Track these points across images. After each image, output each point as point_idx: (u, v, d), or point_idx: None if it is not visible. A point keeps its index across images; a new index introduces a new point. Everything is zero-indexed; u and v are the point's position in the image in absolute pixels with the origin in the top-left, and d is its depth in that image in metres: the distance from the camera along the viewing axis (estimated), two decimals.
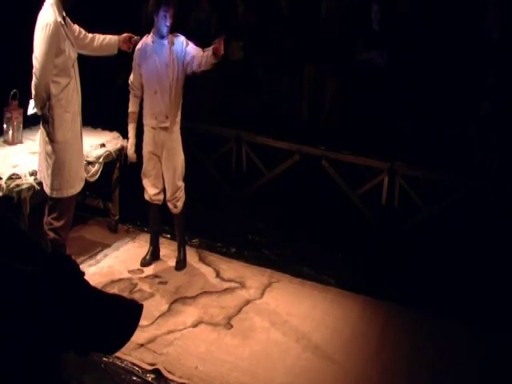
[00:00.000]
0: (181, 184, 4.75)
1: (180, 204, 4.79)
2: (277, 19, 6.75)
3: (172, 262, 4.97)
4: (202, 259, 5.11)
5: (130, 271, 4.83)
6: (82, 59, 4.32)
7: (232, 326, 4.20)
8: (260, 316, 4.35)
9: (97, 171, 4.86)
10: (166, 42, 4.50)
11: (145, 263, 4.93)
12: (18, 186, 4.23)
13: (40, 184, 4.25)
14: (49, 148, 4.10)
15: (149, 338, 4.00)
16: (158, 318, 4.24)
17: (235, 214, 6.02)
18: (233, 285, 4.73)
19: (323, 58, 6.50)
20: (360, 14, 6.37)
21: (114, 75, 5.52)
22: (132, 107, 4.71)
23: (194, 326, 4.19)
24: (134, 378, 3.66)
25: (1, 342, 1.60)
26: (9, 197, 4.18)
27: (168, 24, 4.45)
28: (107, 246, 5.22)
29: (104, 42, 4.45)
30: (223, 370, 3.75)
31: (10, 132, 4.90)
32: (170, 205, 4.79)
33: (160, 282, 4.70)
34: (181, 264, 4.92)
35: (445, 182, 5.67)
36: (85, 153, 4.55)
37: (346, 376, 3.78)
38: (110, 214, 5.47)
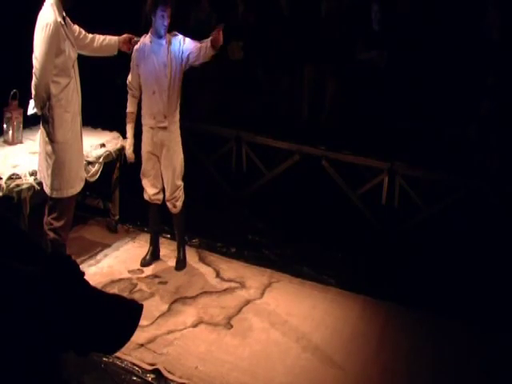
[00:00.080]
0: (180, 183, 4.75)
1: (179, 204, 4.79)
2: (277, 19, 6.75)
3: (172, 262, 4.97)
4: (201, 259, 5.11)
5: (129, 271, 4.84)
6: (82, 59, 4.32)
7: (232, 326, 4.20)
8: (260, 316, 4.35)
9: (97, 171, 4.86)
10: (163, 41, 4.50)
11: (145, 263, 4.93)
12: (18, 185, 4.23)
13: (40, 184, 4.25)
14: (49, 148, 4.10)
15: (149, 337, 4.00)
16: (158, 318, 4.24)
17: (235, 214, 6.03)
18: (233, 285, 4.73)
19: (323, 58, 6.50)
20: (360, 13, 6.37)
21: (113, 75, 5.52)
22: (130, 107, 4.71)
23: (194, 326, 4.19)
24: (134, 378, 3.66)
25: (1, 342, 1.60)
26: (9, 197, 4.18)
27: (165, 24, 4.45)
28: (107, 246, 5.22)
29: (104, 42, 4.46)
30: (223, 370, 3.75)
31: (10, 132, 4.90)
32: (169, 204, 4.79)
33: (160, 282, 4.70)
34: (181, 264, 4.92)
35: (445, 182, 5.67)
36: (85, 153, 4.55)
37: (346, 376, 3.78)
38: (110, 214, 5.47)
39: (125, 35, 4.53)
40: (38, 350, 1.66)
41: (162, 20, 4.42)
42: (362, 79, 6.19)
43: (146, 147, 4.69)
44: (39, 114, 4.12)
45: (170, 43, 4.49)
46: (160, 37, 4.49)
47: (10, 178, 4.24)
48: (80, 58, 4.25)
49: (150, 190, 4.79)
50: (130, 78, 4.67)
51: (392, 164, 5.68)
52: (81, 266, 1.77)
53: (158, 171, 4.73)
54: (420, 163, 5.68)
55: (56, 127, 4.07)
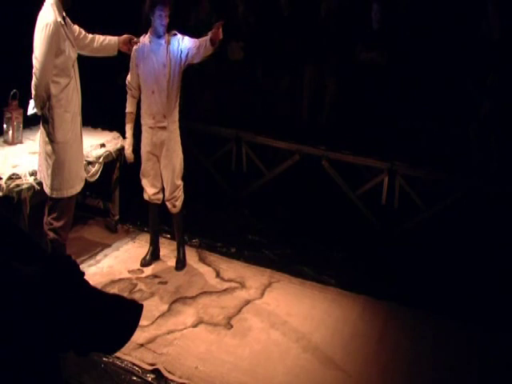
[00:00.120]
0: (180, 183, 4.75)
1: (179, 203, 4.79)
2: (277, 19, 6.75)
3: (172, 262, 4.97)
4: (202, 259, 5.12)
5: (130, 271, 4.84)
6: (82, 59, 4.32)
7: (232, 326, 4.20)
8: (260, 316, 4.35)
9: (97, 171, 4.86)
10: (163, 41, 4.49)
11: (145, 263, 4.93)
12: (18, 186, 4.23)
13: (40, 184, 4.25)
14: (49, 148, 4.10)
15: (149, 337, 4.00)
16: (158, 318, 4.24)
17: (235, 214, 6.03)
18: (233, 285, 4.73)
19: (323, 58, 6.50)
20: (360, 13, 6.37)
21: (113, 75, 5.52)
22: (129, 107, 4.71)
23: (194, 326, 4.19)
24: (134, 378, 3.66)
25: (1, 342, 1.60)
26: (9, 197, 4.17)
27: (164, 23, 4.44)
28: (107, 246, 5.22)
29: (104, 42, 4.45)
30: (223, 370, 3.75)
31: (10, 132, 4.90)
32: (168, 204, 4.79)
33: (160, 282, 4.70)
34: (180, 264, 4.93)
35: (445, 182, 5.67)
36: (85, 153, 4.55)
37: (346, 376, 3.77)
38: (110, 214, 5.48)
39: (125, 36, 4.53)
40: (38, 350, 1.66)
41: (160, 20, 4.42)
42: (362, 79, 6.20)
43: (145, 147, 4.69)
44: (39, 113, 4.12)
45: (169, 43, 4.49)
46: (159, 37, 4.49)
47: (10, 177, 4.24)
48: (80, 58, 4.25)
49: (149, 190, 4.79)
50: (129, 77, 4.67)
51: (392, 164, 5.68)
52: (81, 266, 1.77)
53: (157, 171, 4.73)
54: (420, 163, 5.68)
55: (56, 127, 4.07)
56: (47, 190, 4.16)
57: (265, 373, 3.76)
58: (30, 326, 1.61)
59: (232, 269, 4.98)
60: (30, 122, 4.95)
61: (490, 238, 5.22)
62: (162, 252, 5.09)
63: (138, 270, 4.86)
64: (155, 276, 4.80)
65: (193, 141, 6.30)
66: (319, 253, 5.32)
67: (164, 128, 4.59)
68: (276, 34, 6.68)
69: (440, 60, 5.85)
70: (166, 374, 3.69)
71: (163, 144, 4.62)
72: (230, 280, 4.80)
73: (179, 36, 4.52)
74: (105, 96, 5.98)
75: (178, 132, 4.68)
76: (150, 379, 3.67)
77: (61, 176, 4.12)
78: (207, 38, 4.37)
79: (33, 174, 4.32)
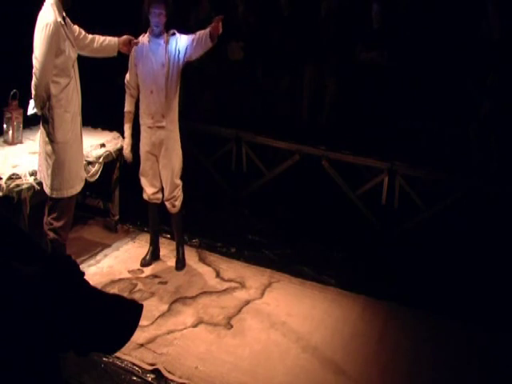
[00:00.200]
0: (179, 182, 4.75)
1: (178, 203, 4.78)
2: (277, 19, 6.75)
3: (172, 262, 4.97)
4: (201, 259, 5.12)
5: (129, 271, 4.84)
6: (82, 59, 4.32)
7: (232, 326, 4.20)
8: (260, 316, 4.35)
9: (97, 171, 4.85)
10: (162, 41, 4.48)
11: (145, 263, 4.93)
12: (18, 186, 4.23)
13: (40, 184, 4.25)
14: (49, 148, 4.10)
15: (149, 337, 4.00)
16: (158, 318, 4.24)
17: (235, 214, 6.03)
18: (233, 285, 4.73)
19: (323, 58, 6.50)
20: (360, 13, 6.37)
21: (113, 75, 5.52)
22: (128, 107, 4.71)
23: (194, 326, 4.19)
24: (134, 378, 3.66)
25: (1, 342, 1.60)
26: (9, 197, 4.17)
27: (159, 22, 4.42)
28: (107, 246, 5.22)
29: (104, 43, 4.45)
30: (223, 370, 3.75)
31: (10, 132, 4.90)
32: (168, 204, 4.78)
33: (160, 282, 4.70)
34: (180, 264, 4.93)
35: (445, 182, 5.67)
36: (85, 153, 4.55)
37: (346, 376, 3.77)
38: (110, 214, 5.48)
39: (125, 36, 4.52)
40: (38, 350, 1.66)
41: (156, 18, 4.41)
42: (362, 79, 6.20)
43: (144, 147, 4.69)
44: (39, 114, 4.12)
45: (167, 43, 4.49)
46: (158, 36, 4.48)
47: (10, 177, 4.24)
48: (80, 58, 4.24)
49: (148, 190, 4.79)
50: (127, 77, 4.66)
51: (392, 164, 5.68)
52: (81, 266, 1.77)
53: (156, 171, 4.73)
54: (420, 163, 5.68)
55: (56, 127, 4.06)
56: (47, 189, 4.16)
57: (265, 373, 3.76)
58: (30, 326, 1.61)
59: (232, 269, 4.98)
60: (30, 122, 4.95)
61: (490, 238, 5.22)
62: (162, 252, 5.09)
63: (138, 270, 4.86)
64: (155, 276, 4.80)
65: (193, 141, 6.30)
66: (319, 253, 5.32)
67: (163, 128, 4.58)
68: (276, 34, 6.68)
69: (440, 60, 5.85)
70: (166, 374, 3.69)
71: (162, 144, 4.62)
72: (229, 280, 4.80)
73: (177, 35, 4.51)
74: (105, 96, 5.97)
75: (177, 132, 4.67)
76: (150, 379, 3.67)
77: (61, 176, 4.12)
78: (206, 32, 4.34)
79: (33, 173, 4.32)
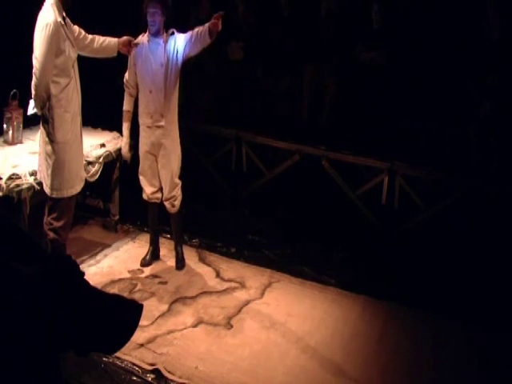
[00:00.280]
0: (178, 182, 4.75)
1: (178, 203, 4.78)
2: (277, 19, 6.75)
3: (172, 262, 4.97)
4: (201, 259, 5.11)
5: (129, 271, 4.84)
6: (82, 59, 4.32)
7: (232, 326, 4.20)
8: (260, 316, 4.35)
9: (97, 171, 4.85)
10: (161, 41, 4.48)
11: (145, 263, 4.93)
12: (18, 186, 4.23)
13: (40, 184, 4.25)
14: (49, 148, 4.10)
15: (149, 338, 4.00)
16: (158, 318, 4.24)
17: (235, 214, 6.03)
18: (233, 285, 4.73)
19: (323, 58, 6.50)
20: (360, 13, 6.37)
21: (113, 75, 5.52)
22: (126, 106, 4.70)
23: (194, 326, 4.19)
24: (134, 378, 3.66)
25: (1, 342, 1.60)
26: (9, 197, 4.17)
27: (156, 22, 4.42)
28: (107, 246, 5.22)
29: (104, 43, 4.45)
30: (223, 370, 3.75)
31: (10, 132, 4.90)
32: (167, 204, 4.78)
33: (160, 282, 4.70)
34: (180, 263, 4.93)
35: (445, 182, 5.67)
36: (85, 153, 4.55)
37: (346, 376, 3.77)
38: (110, 214, 5.48)
39: (125, 37, 4.53)
40: (38, 350, 1.66)
41: (151, 17, 4.41)
42: (362, 79, 6.20)
43: (143, 146, 4.69)
44: (39, 114, 4.12)
45: (166, 42, 4.49)
46: (156, 35, 4.48)
47: (10, 177, 4.24)
48: (80, 58, 4.25)
49: (148, 189, 4.79)
50: (126, 76, 4.66)
51: (392, 164, 5.68)
52: (81, 266, 1.77)
53: (155, 170, 4.72)
54: (420, 163, 5.68)
55: (56, 127, 4.07)
56: (47, 190, 4.16)
57: (265, 373, 3.76)
58: (30, 326, 1.61)
59: (232, 269, 4.98)
60: (30, 122, 4.95)
61: (490, 238, 5.22)
62: (162, 252, 5.09)
63: (138, 270, 4.86)
64: (155, 276, 4.80)
65: (193, 141, 6.30)
66: (319, 253, 5.32)
67: (162, 127, 4.58)
68: (276, 34, 6.68)
69: (440, 60, 5.85)
70: (166, 374, 3.69)
71: (161, 143, 4.61)
72: (229, 280, 4.80)
73: (176, 35, 4.51)
74: (105, 96, 5.98)
75: (176, 131, 4.66)
76: (150, 379, 3.67)
77: (61, 176, 4.12)
78: (205, 28, 4.34)
79: (33, 174, 4.32)
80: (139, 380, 3.66)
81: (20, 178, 4.27)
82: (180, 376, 3.68)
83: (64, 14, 4.03)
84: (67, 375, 3.44)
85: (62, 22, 3.97)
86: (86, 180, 4.47)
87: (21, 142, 4.95)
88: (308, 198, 6.09)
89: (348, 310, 4.50)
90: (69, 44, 4.04)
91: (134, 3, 4.95)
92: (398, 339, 4.18)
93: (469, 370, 3.91)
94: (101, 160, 4.92)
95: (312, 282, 4.85)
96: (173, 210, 4.80)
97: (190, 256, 5.08)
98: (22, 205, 4.25)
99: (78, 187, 4.26)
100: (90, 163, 4.79)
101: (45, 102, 4.01)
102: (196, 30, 4.40)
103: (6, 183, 4.19)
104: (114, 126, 5.31)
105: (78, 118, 4.21)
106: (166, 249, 5.14)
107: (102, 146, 5.05)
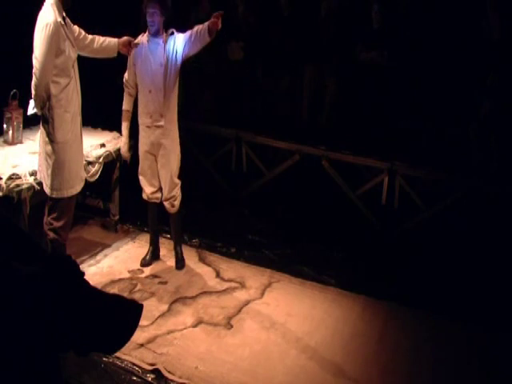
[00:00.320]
0: (177, 181, 4.75)
1: (177, 203, 4.78)
2: (277, 19, 6.75)
3: (172, 262, 4.97)
4: (201, 259, 5.11)
5: (129, 271, 4.84)
6: (82, 59, 4.32)
7: (232, 326, 4.20)
8: (260, 316, 4.35)
9: (97, 171, 4.85)
10: (160, 41, 4.48)
11: (145, 263, 4.93)
12: (18, 186, 4.23)
13: (40, 184, 4.25)
14: (49, 148, 4.10)
15: (149, 338, 4.00)
16: (158, 318, 4.24)
17: (235, 214, 6.03)
18: (233, 285, 4.73)
19: (323, 58, 6.50)
20: (360, 13, 6.37)
21: (113, 75, 5.52)
22: (126, 105, 4.71)
23: (194, 326, 4.19)
24: (134, 378, 3.66)
25: (1, 342, 1.60)
26: (9, 197, 4.17)
27: (155, 22, 4.42)
28: (107, 246, 5.22)
29: (104, 44, 4.45)
30: (223, 370, 3.75)
31: (10, 132, 4.90)
32: (167, 204, 4.78)
33: (160, 282, 4.70)
34: (180, 263, 4.93)
35: (445, 182, 5.67)
36: (85, 153, 4.55)
37: (346, 376, 3.77)
38: (110, 214, 5.48)
39: (125, 38, 4.53)
40: (38, 350, 1.66)
41: (150, 18, 4.42)
42: (362, 79, 6.20)
43: (143, 146, 4.69)
44: (39, 114, 4.12)
45: (166, 42, 4.49)
46: (156, 35, 4.48)
47: (10, 177, 4.24)
48: (80, 58, 4.25)
49: (147, 189, 4.79)
50: (126, 75, 4.67)
51: (392, 164, 5.68)
52: (81, 266, 1.77)
53: (154, 170, 4.73)
54: (420, 163, 5.68)
55: (56, 127, 4.07)
56: (47, 190, 4.16)
57: (265, 373, 3.76)
58: (30, 326, 1.61)
59: (232, 269, 4.98)
60: (30, 122, 4.95)
61: (490, 238, 5.22)
62: (162, 252, 5.09)
63: (138, 270, 4.86)
64: (155, 276, 4.79)
65: (193, 141, 6.30)
66: (319, 253, 5.32)
67: (161, 127, 4.58)
68: (276, 34, 6.68)
69: (440, 60, 5.85)
70: (166, 374, 3.69)
71: (160, 143, 4.62)
72: (230, 280, 4.80)
73: (176, 35, 4.51)
74: (105, 96, 5.98)
75: (175, 131, 4.66)
76: (150, 379, 3.67)
77: (61, 176, 4.12)
78: (204, 27, 4.33)
79: (33, 174, 4.32)
80: (139, 380, 3.66)
81: (20, 178, 4.27)
82: (180, 376, 3.69)
83: (64, 13, 4.03)
84: (67, 375, 3.44)
85: (62, 22, 3.97)
86: (86, 180, 4.47)
87: (21, 142, 4.95)
88: (308, 198, 6.09)
89: (348, 309, 4.50)
90: (69, 44, 4.04)
91: (134, 3, 4.95)
92: (398, 339, 4.18)
93: (469, 369, 3.91)
94: (101, 160, 4.92)
95: (312, 282, 4.85)
96: (172, 210, 4.80)
97: (190, 256, 5.08)
98: (22, 205, 4.25)
99: (78, 187, 4.26)
100: (90, 163, 4.79)
101: (45, 101, 4.01)
102: (195, 28, 4.41)
103: (5, 183, 4.19)
104: (114, 126, 5.31)
105: (78, 118, 4.21)
106: (166, 249, 5.14)
107: (102, 146, 5.05)
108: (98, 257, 5.03)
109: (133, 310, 1.87)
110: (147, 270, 4.87)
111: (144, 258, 4.95)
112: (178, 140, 4.70)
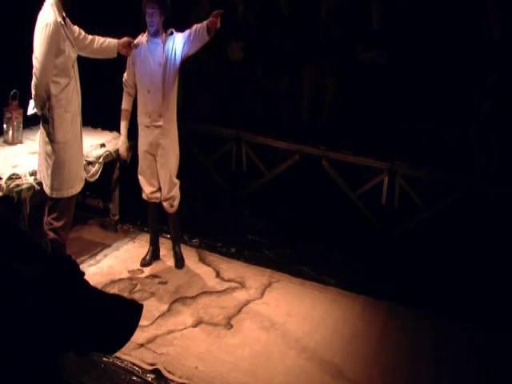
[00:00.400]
0: (176, 181, 4.75)
1: (176, 203, 4.79)
2: (277, 19, 6.75)
3: (172, 262, 4.97)
4: (201, 259, 5.11)
5: (129, 271, 4.84)
6: (82, 59, 4.32)
7: (232, 326, 4.20)
8: (260, 316, 4.35)
9: (97, 171, 4.85)
10: (160, 41, 4.49)
11: (145, 263, 4.93)
12: (18, 186, 4.23)
13: (40, 184, 4.25)
14: (49, 148, 4.10)
15: (149, 338, 4.00)
16: (158, 318, 4.24)
17: (235, 214, 6.03)
18: (233, 285, 4.73)
19: (323, 58, 6.50)
20: (360, 13, 6.37)
21: (113, 75, 5.53)
22: (125, 105, 4.71)
23: (194, 326, 4.19)
24: (134, 378, 3.66)
25: (1, 342, 1.60)
26: (9, 197, 4.17)
27: (154, 22, 4.42)
28: (107, 246, 5.22)
29: (104, 44, 4.45)
30: (223, 370, 3.75)
31: (10, 132, 4.90)
32: (166, 204, 4.78)
33: (160, 282, 4.70)
34: (179, 263, 4.93)
35: (445, 182, 5.67)
36: (85, 153, 4.55)
37: (346, 376, 3.77)
38: (110, 214, 5.47)
39: (125, 38, 4.53)
40: (38, 350, 1.66)
41: (150, 18, 4.42)
42: (362, 79, 6.19)
43: (142, 146, 4.70)
44: (39, 114, 4.12)
45: (165, 42, 4.49)
46: (155, 35, 4.48)
47: (10, 177, 4.24)
48: (80, 58, 4.25)
49: (147, 189, 4.79)
50: (125, 75, 4.67)
51: (392, 164, 5.68)
52: (81, 266, 1.77)
53: (154, 170, 4.73)
54: (420, 163, 5.68)
55: (56, 127, 4.07)
56: (47, 190, 4.16)
57: (265, 373, 3.76)
58: (30, 326, 1.61)
59: (232, 269, 4.98)
60: (30, 122, 4.95)
61: (490, 238, 5.22)
62: (162, 252, 5.09)
63: (138, 270, 4.86)
64: (155, 276, 4.80)
65: (193, 141, 6.30)
66: (319, 253, 5.32)
67: (160, 127, 4.58)
68: (276, 34, 6.67)
69: (440, 60, 5.85)
70: (166, 374, 3.69)
71: (159, 143, 4.62)
72: (229, 280, 4.80)
73: (175, 35, 4.51)
74: (104, 96, 5.98)
75: (175, 131, 4.66)
76: (150, 379, 3.67)
77: (61, 176, 4.12)
78: (203, 26, 4.34)
79: (33, 174, 4.32)
80: (139, 380, 3.66)
81: (20, 178, 4.27)
82: (180, 376, 3.69)
83: (64, 14, 4.03)
84: (67, 375, 3.44)
85: (62, 22, 3.97)
86: (86, 180, 4.47)
87: (21, 142, 4.96)
88: (308, 198, 6.09)
89: (348, 309, 4.50)
90: (69, 44, 4.04)
91: (134, 3, 4.95)
92: (398, 339, 4.18)
93: (469, 369, 3.91)
94: (101, 160, 4.92)
95: (312, 282, 4.85)
96: (171, 210, 4.80)
97: (190, 256, 5.08)
98: (22, 205, 4.25)
99: (77, 187, 4.27)
100: (90, 163, 4.79)
101: (45, 101, 4.02)
102: (194, 27, 4.41)
103: (6, 183, 4.19)
104: (114, 126, 5.30)
105: (78, 118, 4.22)
106: (166, 249, 5.14)
107: (102, 146, 5.06)
108: (98, 257, 5.03)
109: (133, 310, 1.87)
110: (147, 270, 4.87)
111: (144, 258, 4.95)
112: (177, 140, 4.70)
